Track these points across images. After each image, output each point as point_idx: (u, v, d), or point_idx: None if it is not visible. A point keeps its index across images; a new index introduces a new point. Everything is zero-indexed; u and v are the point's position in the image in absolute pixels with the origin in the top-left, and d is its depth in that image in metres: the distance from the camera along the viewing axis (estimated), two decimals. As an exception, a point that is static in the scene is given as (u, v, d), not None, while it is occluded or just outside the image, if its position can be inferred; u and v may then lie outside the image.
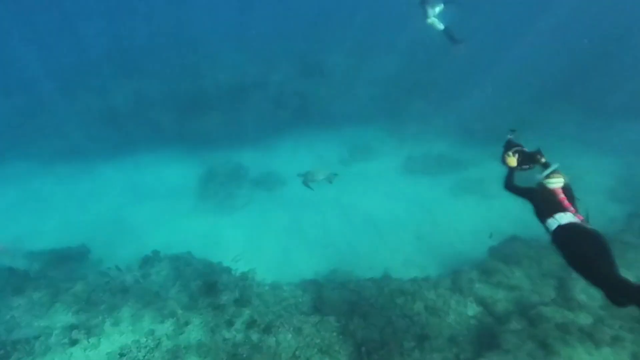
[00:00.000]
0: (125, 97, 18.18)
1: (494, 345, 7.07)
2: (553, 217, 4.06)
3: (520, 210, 12.70)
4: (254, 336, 7.34)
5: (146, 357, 6.65)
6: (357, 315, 7.65)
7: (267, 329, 7.24)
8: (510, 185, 4.81)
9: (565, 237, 3.89)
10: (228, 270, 9.48)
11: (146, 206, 14.11)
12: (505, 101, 19.11)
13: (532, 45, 23.56)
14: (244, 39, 24.31)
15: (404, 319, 7.82)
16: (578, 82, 19.51)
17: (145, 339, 6.91)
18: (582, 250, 3.67)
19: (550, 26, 24.97)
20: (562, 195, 4.25)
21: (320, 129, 18.96)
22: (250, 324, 7.49)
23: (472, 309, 8.20)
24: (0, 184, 16.45)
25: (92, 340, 6.79)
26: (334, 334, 7.33)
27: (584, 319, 7.17)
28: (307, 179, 10.56)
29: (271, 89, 19.56)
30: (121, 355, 6.68)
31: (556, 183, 4.32)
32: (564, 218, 3.99)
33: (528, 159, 4.95)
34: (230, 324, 7.52)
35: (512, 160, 4.92)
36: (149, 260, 9.49)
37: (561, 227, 3.95)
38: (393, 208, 14.10)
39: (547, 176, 4.37)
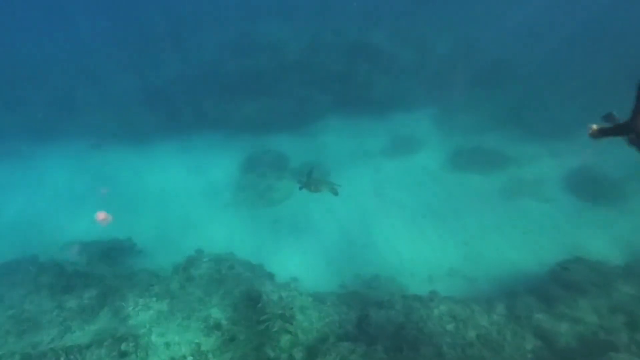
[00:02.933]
0: (168, 77, 17.98)
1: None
2: None
3: (584, 222, 12.12)
4: (298, 355, 7.18)
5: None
6: (406, 345, 7.27)
7: (312, 353, 7.03)
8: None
9: None
10: (271, 276, 9.31)
11: (188, 195, 14.13)
12: (572, 88, 17.27)
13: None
14: (286, 13, 23.22)
15: (455, 349, 7.38)
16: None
17: (192, 358, 6.88)
18: None
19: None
20: None
21: (363, 116, 18.11)
22: (295, 344, 7.31)
23: (531, 343, 7.62)
24: (50, 162, 16.96)
25: (141, 354, 6.84)
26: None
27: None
28: (307, 189, 9.54)
29: (314, 71, 18.72)
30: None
31: None
32: None
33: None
34: (275, 341, 7.36)
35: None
36: (192, 262, 9.44)
37: None
38: (438, 207, 13.38)
39: None
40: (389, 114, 18.13)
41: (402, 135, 16.85)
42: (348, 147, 16.44)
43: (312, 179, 9.64)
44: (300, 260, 11.31)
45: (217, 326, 7.70)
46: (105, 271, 9.46)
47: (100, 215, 7.80)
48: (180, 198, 13.97)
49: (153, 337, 7.33)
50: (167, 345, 7.20)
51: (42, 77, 18.83)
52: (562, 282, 8.78)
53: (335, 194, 9.67)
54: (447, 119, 17.74)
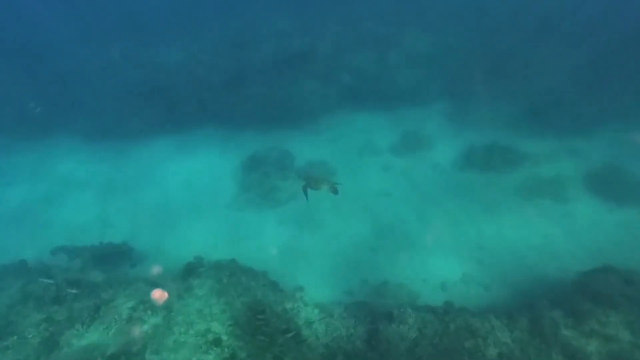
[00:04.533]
0: (169, 69, 17.24)
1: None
2: None
3: (609, 225, 11.35)
4: (304, 375, 6.60)
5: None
6: (422, 365, 6.65)
7: (319, 374, 6.44)
8: None
9: None
10: (274, 285, 8.70)
11: (188, 195, 13.55)
12: (591, 81, 16.34)
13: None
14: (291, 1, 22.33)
15: (475, 370, 6.75)
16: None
17: (188, 379, 6.32)
18: None
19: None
20: None
21: (371, 110, 17.36)
22: (300, 362, 6.72)
23: (558, 363, 6.97)
24: (43, 161, 16.40)
25: (133, 375, 6.29)
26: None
27: None
28: (308, 186, 8.84)
29: (319, 63, 17.94)
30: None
31: None
32: None
33: None
34: (278, 359, 6.78)
35: None
36: (192, 270, 8.85)
37: None
38: (450, 208, 12.66)
39: None
40: (398, 108, 17.36)
41: (412, 130, 16.09)
42: (356, 143, 15.74)
43: (311, 177, 8.96)
44: (305, 265, 10.72)
45: (217, 342, 7.12)
46: (99, 278, 8.92)
47: (156, 294, 7.30)
48: (179, 198, 13.38)
49: (147, 356, 6.77)
50: (162, 364, 6.64)
51: (36, 68, 18.14)
52: (590, 294, 8.07)
53: (335, 193, 8.99)
54: (459, 113, 16.95)
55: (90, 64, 17.43)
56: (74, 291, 8.26)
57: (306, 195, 8.89)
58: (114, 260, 9.80)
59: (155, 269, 9.39)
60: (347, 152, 15.32)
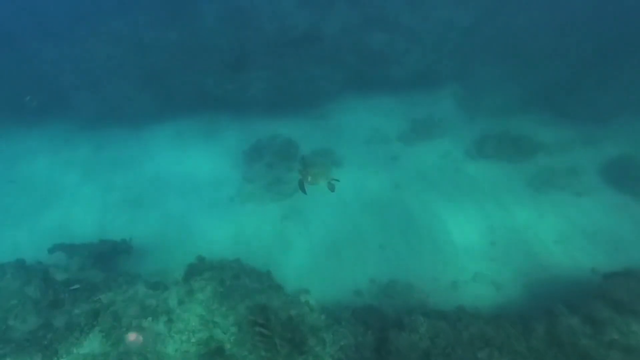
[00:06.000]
0: (162, 51, 16.44)
1: None
2: None
3: (628, 221, 10.90)
4: (311, 387, 6.35)
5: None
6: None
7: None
8: None
9: None
10: (279, 288, 8.39)
11: (188, 188, 13.10)
12: (610, 66, 15.50)
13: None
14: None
15: (490, 383, 6.47)
16: None
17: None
18: None
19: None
20: None
21: (379, 94, 16.66)
22: (307, 374, 6.46)
23: (577, 376, 6.67)
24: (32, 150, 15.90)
25: (133, 389, 6.05)
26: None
27: None
28: (305, 179, 8.28)
29: (325, 45, 17.09)
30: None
31: None
32: None
33: None
34: (283, 371, 6.53)
35: None
36: (193, 271, 8.53)
37: None
38: (461, 202, 12.19)
39: None
40: (408, 93, 16.64)
41: (421, 117, 15.43)
42: (363, 131, 15.13)
43: (308, 170, 8.39)
44: (311, 263, 10.41)
45: (219, 351, 6.87)
46: (98, 278, 8.63)
47: (132, 337, 6.97)
48: (178, 191, 12.95)
49: (147, 366, 6.53)
50: (163, 376, 6.39)
51: (25, 51, 17.40)
52: (610, 300, 7.70)
53: (332, 190, 8.52)
54: (471, 98, 16.24)
55: (80, 47, 16.59)
56: (76, 286, 8.04)
57: (303, 190, 8.43)
58: (113, 258, 9.50)
59: (155, 269, 9.09)
60: (354, 140, 14.76)
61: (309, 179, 8.37)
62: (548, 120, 14.91)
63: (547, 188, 12.44)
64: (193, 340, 7.06)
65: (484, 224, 11.40)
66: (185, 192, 12.88)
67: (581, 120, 14.56)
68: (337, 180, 8.51)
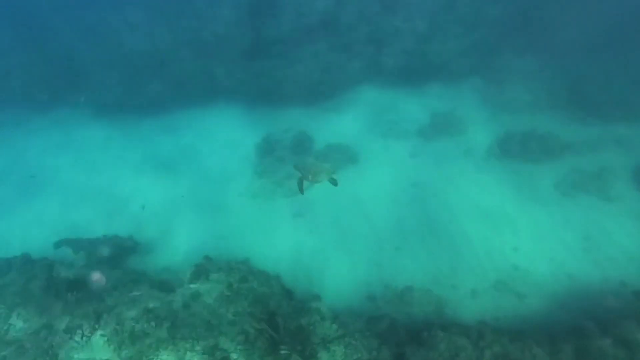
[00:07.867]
0: (175, 40, 15.99)
1: None
2: None
3: None
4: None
5: None
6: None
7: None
8: None
9: None
10: (289, 294, 7.99)
11: (197, 182, 12.72)
12: None
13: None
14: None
15: (514, 409, 6.00)
16: None
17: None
18: None
19: None
20: None
21: (398, 87, 15.90)
22: (318, 392, 6.08)
23: (609, 405, 6.15)
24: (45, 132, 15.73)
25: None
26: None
27: None
28: (305, 178, 7.84)
29: (341, 33, 16.37)
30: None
31: None
32: None
33: None
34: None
35: None
36: (200, 272, 8.19)
37: None
38: (483, 204, 11.56)
39: None
40: (428, 85, 15.87)
41: (442, 111, 14.67)
42: (380, 125, 14.47)
43: (307, 167, 7.90)
44: (322, 265, 9.96)
45: (226, 361, 6.51)
46: (103, 276, 8.36)
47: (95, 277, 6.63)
48: (187, 185, 12.59)
49: (151, 376, 6.22)
50: (166, 387, 6.08)
51: (43, 36, 17.09)
52: (646, 321, 7.11)
53: (335, 184, 8.02)
54: (494, 93, 15.40)
55: (95, 33, 16.23)
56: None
57: (301, 189, 7.96)
58: (120, 255, 9.22)
59: (161, 267, 8.78)
60: (370, 134, 14.15)
61: (310, 177, 7.89)
62: (577, 117, 14.04)
63: (574, 191, 11.73)
64: (198, 348, 6.72)
65: (506, 229, 10.78)
66: (193, 186, 12.51)
67: (613, 120, 13.68)
68: (336, 176, 8.01)
